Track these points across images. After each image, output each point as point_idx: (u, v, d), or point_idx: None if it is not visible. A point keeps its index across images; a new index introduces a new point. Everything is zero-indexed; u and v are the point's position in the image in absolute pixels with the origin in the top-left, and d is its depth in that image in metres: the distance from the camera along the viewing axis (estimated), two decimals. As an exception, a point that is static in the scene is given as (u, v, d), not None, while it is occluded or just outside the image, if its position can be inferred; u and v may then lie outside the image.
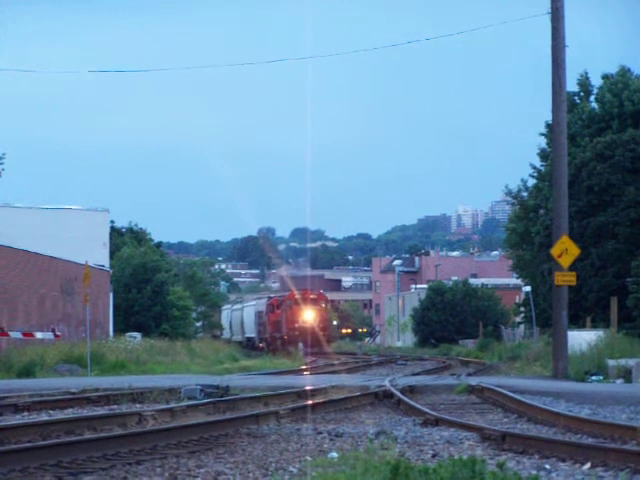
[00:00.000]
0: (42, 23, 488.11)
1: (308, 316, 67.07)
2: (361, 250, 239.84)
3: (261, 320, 76.54)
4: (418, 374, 34.31)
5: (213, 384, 20.79)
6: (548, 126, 52.49)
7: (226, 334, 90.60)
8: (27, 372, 30.18)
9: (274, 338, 70.95)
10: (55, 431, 13.43)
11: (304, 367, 42.38)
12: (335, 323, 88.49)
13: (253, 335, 79.82)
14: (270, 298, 76.97)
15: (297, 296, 68.37)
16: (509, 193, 57.77)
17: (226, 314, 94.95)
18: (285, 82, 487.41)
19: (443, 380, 26.43)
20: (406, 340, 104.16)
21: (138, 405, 18.89)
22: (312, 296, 68.71)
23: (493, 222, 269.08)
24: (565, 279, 28.05)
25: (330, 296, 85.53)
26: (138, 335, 51.02)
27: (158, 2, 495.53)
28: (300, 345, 63.82)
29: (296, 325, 66.69)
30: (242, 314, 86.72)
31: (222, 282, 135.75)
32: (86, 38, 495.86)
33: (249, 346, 78.58)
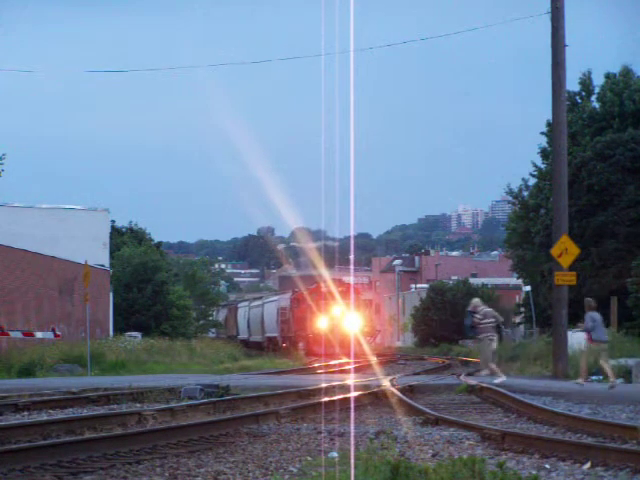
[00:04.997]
0: (42, 22, 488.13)
1: (337, 311, 59.77)
2: (361, 249, 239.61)
3: (284, 317, 67.90)
4: (418, 374, 34.25)
5: (213, 384, 20.77)
6: (549, 125, 52.41)
7: (243, 334, 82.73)
8: (27, 372, 30.17)
9: (300, 337, 63.56)
10: (55, 431, 13.43)
11: (304, 367, 42.31)
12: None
13: (275, 334, 70.87)
14: (295, 292, 67.55)
15: (324, 289, 60.77)
16: (510, 192, 57.73)
17: (243, 312, 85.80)
18: (285, 81, 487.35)
19: (443, 380, 26.40)
20: (406, 340, 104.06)
21: (138, 405, 18.87)
22: (341, 288, 60.35)
23: (493, 222, 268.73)
24: (565, 279, 28.06)
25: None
26: (138, 335, 51.01)
27: (161, 1, 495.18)
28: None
29: (323, 322, 59.66)
30: (262, 311, 76.99)
31: (222, 282, 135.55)
32: (87, 37, 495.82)
33: (270, 347, 70.11)
